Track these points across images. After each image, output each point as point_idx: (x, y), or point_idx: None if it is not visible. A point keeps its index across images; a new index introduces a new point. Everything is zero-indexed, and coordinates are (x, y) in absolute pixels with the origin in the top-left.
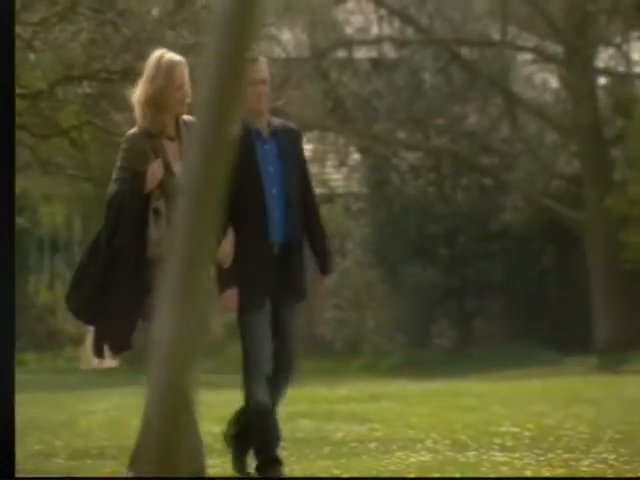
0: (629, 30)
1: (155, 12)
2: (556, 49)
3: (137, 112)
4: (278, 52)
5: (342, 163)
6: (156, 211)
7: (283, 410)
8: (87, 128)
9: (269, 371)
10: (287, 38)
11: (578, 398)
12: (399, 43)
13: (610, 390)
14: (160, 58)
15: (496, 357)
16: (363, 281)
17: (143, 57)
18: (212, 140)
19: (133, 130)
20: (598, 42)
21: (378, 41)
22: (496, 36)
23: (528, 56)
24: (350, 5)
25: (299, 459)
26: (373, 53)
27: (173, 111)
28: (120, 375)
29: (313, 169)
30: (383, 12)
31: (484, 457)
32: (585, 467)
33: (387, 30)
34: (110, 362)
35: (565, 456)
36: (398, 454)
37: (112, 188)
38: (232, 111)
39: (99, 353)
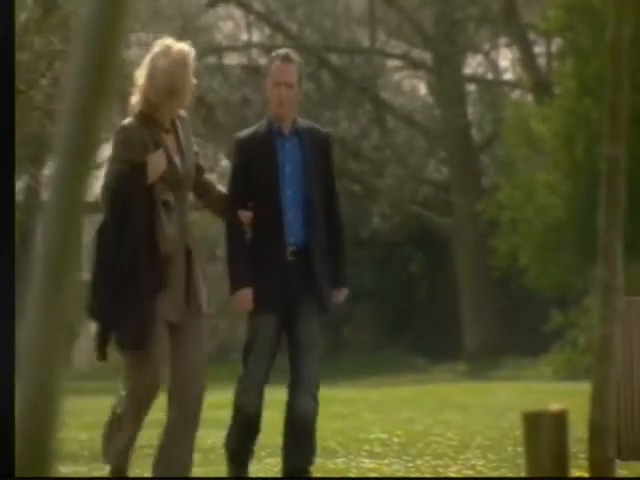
0: (497, 37)
1: (23, 17)
2: (425, 56)
3: (145, 100)
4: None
5: (211, 170)
6: (166, 204)
7: (152, 416)
8: None
9: (265, 380)
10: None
11: (447, 404)
12: (269, 49)
13: (479, 397)
14: (182, 48)
15: (365, 364)
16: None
17: None
18: (75, 148)
19: (129, 120)
20: (466, 49)
21: (248, 47)
22: (365, 43)
23: (397, 63)
24: (220, 11)
25: None
26: (243, 59)
27: (183, 103)
28: None
29: None
30: (252, 18)
31: (353, 464)
32: (453, 473)
33: (257, 36)
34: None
35: (434, 462)
36: (268, 460)
37: (112, 180)
38: (97, 118)
39: (102, 353)
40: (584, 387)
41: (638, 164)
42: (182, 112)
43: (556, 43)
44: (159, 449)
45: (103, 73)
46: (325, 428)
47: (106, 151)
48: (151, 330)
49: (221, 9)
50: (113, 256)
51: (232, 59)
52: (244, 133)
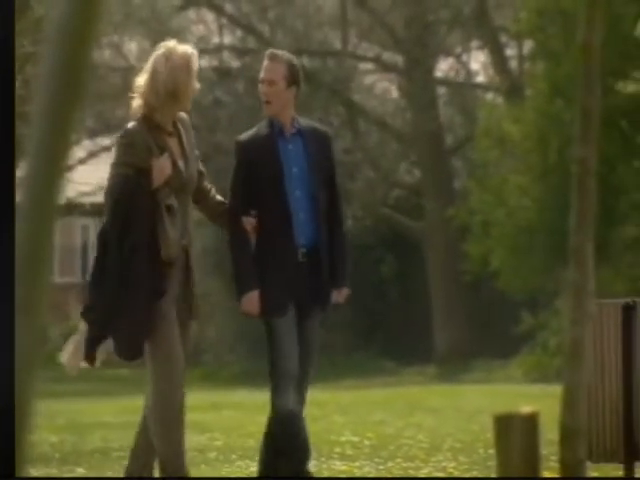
0: (469, 40)
1: None
2: (396, 59)
3: (146, 104)
4: (120, 61)
5: None
6: (169, 209)
7: (122, 420)
8: None
9: (297, 374)
10: (129, 47)
11: (418, 407)
12: (240, 52)
13: (449, 399)
14: (185, 50)
15: (337, 366)
16: (203, 291)
17: None
18: (47, 150)
19: (133, 124)
20: (438, 52)
21: (219, 50)
22: (337, 45)
23: (369, 66)
24: (191, 14)
25: None
26: (215, 62)
27: (185, 106)
28: None
29: None
30: (224, 21)
31: (324, 466)
32: (424, 475)
33: (228, 39)
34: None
35: (405, 465)
36: (238, 463)
37: (116, 184)
38: (69, 121)
39: (91, 358)
40: (555, 389)
41: (609, 166)
42: (183, 114)
43: (527, 45)
44: (135, 451)
45: (75, 75)
46: None
47: (78, 153)
48: (160, 324)
49: (193, 12)
50: (113, 260)
51: (204, 62)
52: (245, 136)
